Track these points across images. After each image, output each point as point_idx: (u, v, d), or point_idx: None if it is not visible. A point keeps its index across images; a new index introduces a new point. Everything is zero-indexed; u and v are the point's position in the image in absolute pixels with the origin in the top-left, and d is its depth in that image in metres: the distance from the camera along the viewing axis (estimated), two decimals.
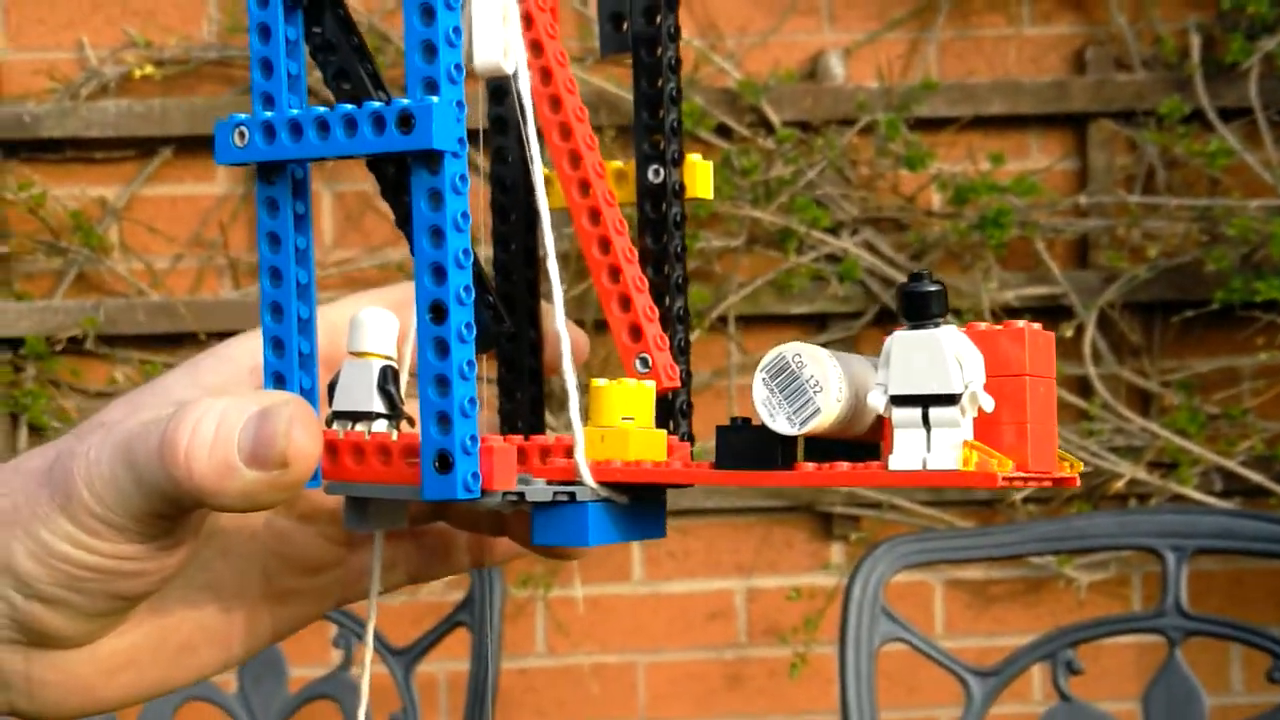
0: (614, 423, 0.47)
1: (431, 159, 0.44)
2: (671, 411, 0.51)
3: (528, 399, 0.53)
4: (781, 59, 1.98)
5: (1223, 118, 1.91)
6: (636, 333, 0.50)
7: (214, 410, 0.44)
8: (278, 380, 0.47)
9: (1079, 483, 0.47)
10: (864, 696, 1.36)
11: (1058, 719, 1.35)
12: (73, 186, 1.94)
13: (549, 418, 0.55)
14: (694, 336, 1.95)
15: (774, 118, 1.93)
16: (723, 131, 1.94)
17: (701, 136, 1.92)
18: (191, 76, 1.95)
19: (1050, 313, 1.95)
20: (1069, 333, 1.93)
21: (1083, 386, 1.96)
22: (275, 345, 0.47)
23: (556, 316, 0.48)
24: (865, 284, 1.95)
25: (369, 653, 0.52)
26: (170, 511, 0.45)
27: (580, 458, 0.46)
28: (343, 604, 0.54)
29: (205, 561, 0.50)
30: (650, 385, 0.48)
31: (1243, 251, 1.87)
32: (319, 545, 0.52)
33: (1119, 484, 1.87)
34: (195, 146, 1.94)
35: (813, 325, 1.99)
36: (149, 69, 1.91)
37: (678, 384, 0.51)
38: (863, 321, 1.96)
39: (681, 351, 0.51)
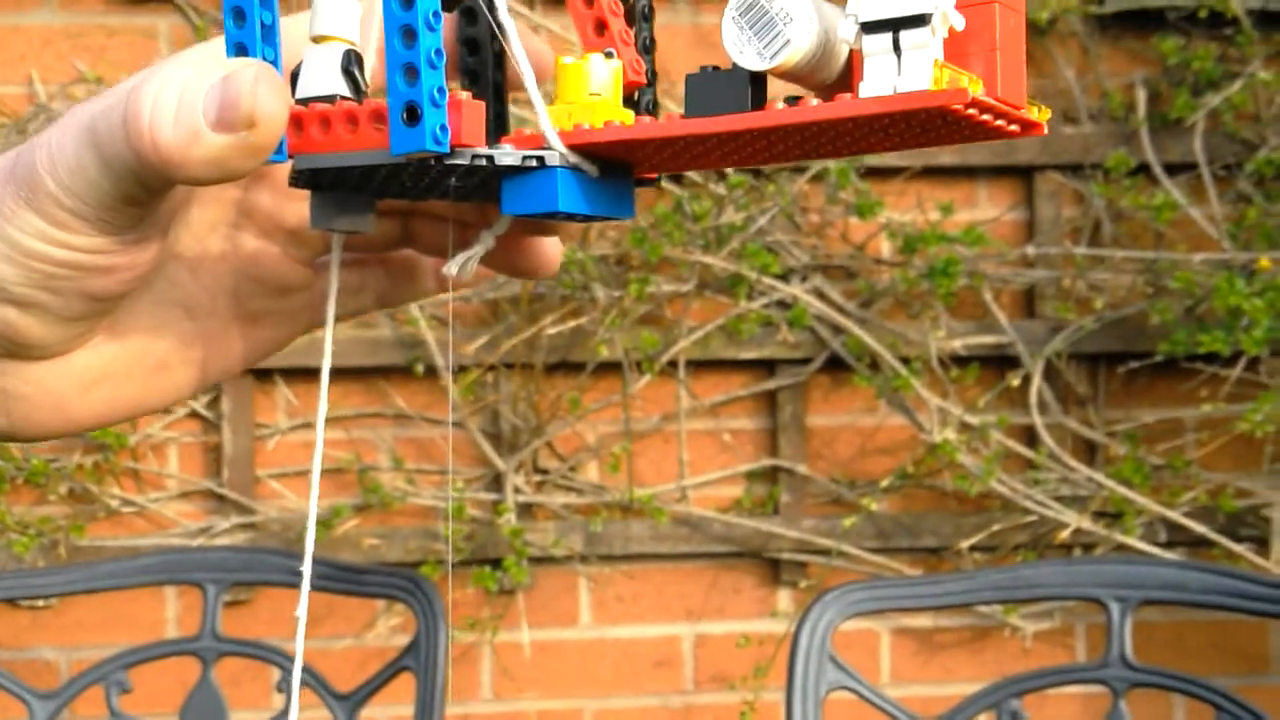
0: (581, 99, 0.46)
1: None
2: (638, 110, 0.50)
3: (492, 114, 0.52)
4: None
5: (1168, 172, 1.94)
6: (601, 27, 0.49)
7: (176, 78, 0.43)
8: (240, 50, 0.46)
9: (1045, 130, 0.45)
10: None
11: None
12: None
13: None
14: (642, 382, 1.96)
15: None
16: (675, 177, 1.94)
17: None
18: None
19: (997, 362, 1.97)
20: (1015, 382, 1.94)
21: (1029, 436, 1.97)
22: (236, 15, 0.46)
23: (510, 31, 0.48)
24: (814, 330, 1.96)
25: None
26: (139, 194, 0.44)
27: (545, 124, 0.46)
28: (312, 328, 0.53)
29: (175, 279, 0.49)
30: (618, 64, 0.47)
31: (1187, 304, 1.89)
32: (286, 265, 0.51)
33: (1064, 533, 1.88)
34: None
35: (762, 370, 2.00)
36: None
37: (643, 80, 0.49)
38: (812, 368, 1.97)
39: (646, 50, 0.50)
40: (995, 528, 1.92)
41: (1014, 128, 0.44)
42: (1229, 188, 1.96)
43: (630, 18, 0.50)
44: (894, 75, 0.42)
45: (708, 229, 1.93)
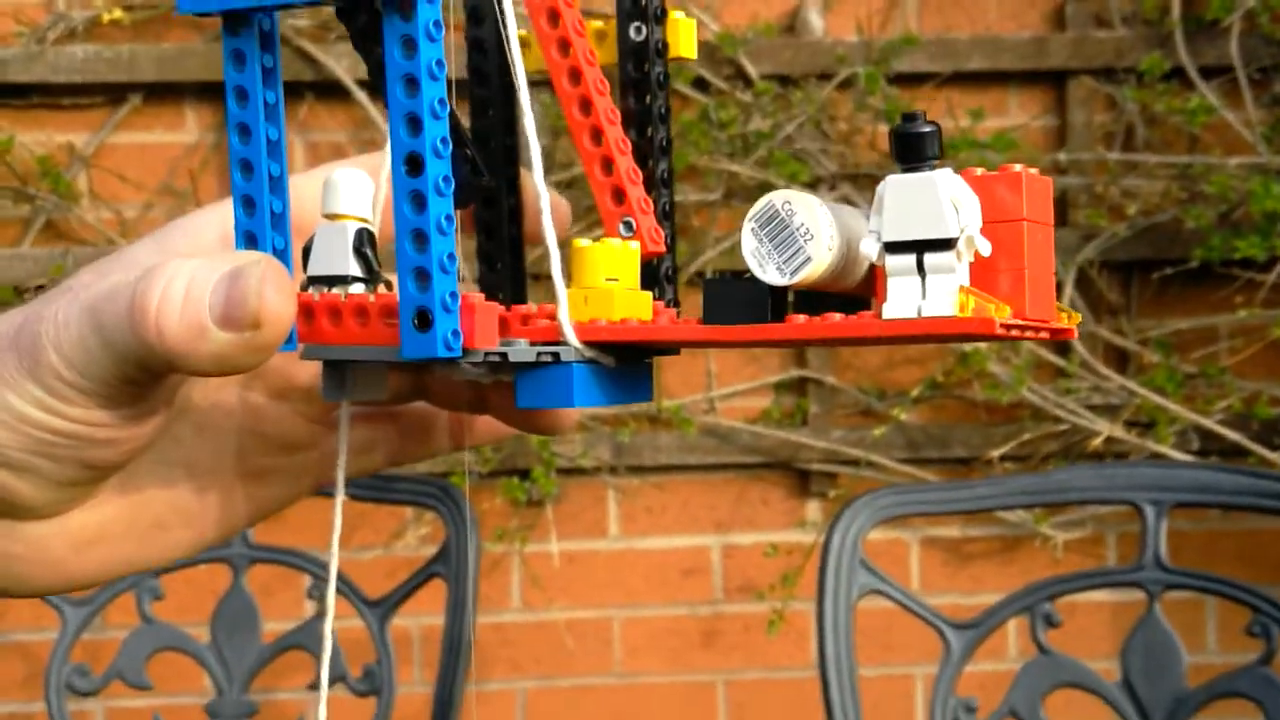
0: (597, 284, 0.45)
1: (404, 4, 0.42)
2: (656, 278, 0.50)
3: (508, 269, 0.52)
4: (760, 12, 1.96)
5: (1203, 75, 1.91)
6: (620, 196, 0.48)
7: (184, 271, 0.42)
8: (249, 240, 0.45)
9: (1076, 334, 0.45)
10: (841, 649, 1.35)
11: (1036, 672, 1.35)
12: (40, 133, 1.90)
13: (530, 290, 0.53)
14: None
15: (752, 71, 1.91)
16: (700, 85, 1.92)
17: (679, 89, 1.90)
18: (161, 22, 1.91)
19: None
20: None
21: (1060, 345, 1.95)
22: (246, 204, 0.45)
23: (536, 176, 0.47)
24: None
25: (335, 551, 0.51)
26: (141, 377, 0.44)
27: (564, 316, 0.45)
28: (320, 486, 0.52)
29: (179, 438, 0.49)
30: (635, 246, 0.46)
31: (1221, 210, 1.86)
32: (295, 423, 0.50)
33: (1096, 441, 1.86)
34: (165, 93, 1.91)
35: None
36: (118, 13, 1.88)
37: (663, 249, 0.49)
38: None
39: (665, 216, 0.50)
40: (1026, 437, 1.90)
41: (1042, 334, 0.44)
42: (1265, 91, 1.93)
43: (649, 184, 0.49)
44: (918, 297, 0.41)
45: (734, 137, 1.91)
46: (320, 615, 1.54)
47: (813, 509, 1.99)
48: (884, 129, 1.93)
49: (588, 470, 1.95)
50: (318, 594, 1.54)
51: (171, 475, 0.49)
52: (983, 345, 1.88)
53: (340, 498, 0.51)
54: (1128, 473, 1.36)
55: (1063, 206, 1.97)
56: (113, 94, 1.91)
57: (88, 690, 1.54)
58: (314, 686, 1.55)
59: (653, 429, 1.97)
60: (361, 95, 1.89)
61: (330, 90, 1.90)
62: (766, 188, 1.90)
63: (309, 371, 0.49)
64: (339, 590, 1.54)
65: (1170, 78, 1.91)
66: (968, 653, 1.36)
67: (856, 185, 1.95)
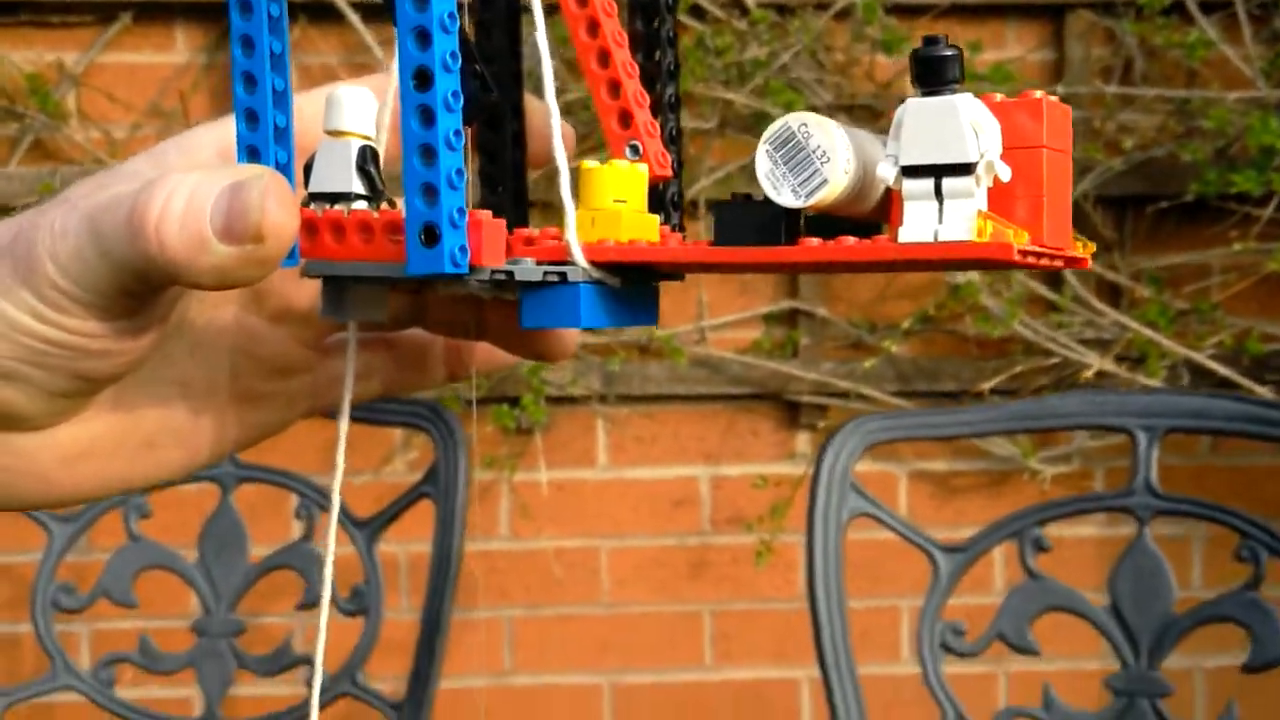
0: (605, 205, 0.45)
1: None
2: (663, 203, 0.49)
3: (510, 193, 0.51)
4: None
5: (1203, 9, 1.89)
6: (626, 119, 0.48)
7: (185, 183, 0.42)
8: (251, 154, 0.45)
9: (1090, 264, 0.45)
10: (830, 573, 1.35)
11: (1024, 596, 1.35)
12: (28, 51, 1.88)
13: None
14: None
15: None
16: (696, 12, 1.90)
17: None
18: None
19: None
20: None
21: (1053, 279, 1.95)
22: (249, 117, 0.45)
23: (548, 94, 0.46)
24: None
25: (338, 475, 0.50)
26: (138, 288, 0.43)
27: (572, 236, 0.44)
28: (312, 413, 0.52)
29: (173, 357, 0.48)
30: (643, 168, 0.46)
31: (1218, 145, 1.86)
32: (290, 347, 0.50)
33: (1087, 374, 1.86)
34: (155, 13, 1.89)
35: None
36: None
37: (669, 173, 0.48)
38: None
39: (673, 140, 0.49)
40: (1017, 369, 1.90)
41: (1057, 262, 0.43)
42: (1264, 26, 1.92)
43: (656, 108, 0.48)
44: (935, 222, 0.41)
45: (730, 65, 1.89)
46: (308, 537, 1.54)
47: (802, 441, 1.99)
48: (881, 59, 1.92)
49: (577, 399, 1.95)
50: (305, 514, 1.54)
51: (164, 394, 0.48)
52: (975, 277, 1.88)
53: (345, 424, 0.49)
54: (1120, 399, 1.36)
55: None
56: (102, 13, 1.89)
57: (74, 607, 1.54)
58: (302, 608, 1.55)
59: (643, 359, 1.96)
60: (355, 18, 1.87)
61: (323, 12, 1.88)
62: (761, 117, 1.88)
63: (307, 295, 0.49)
64: (326, 508, 1.53)
65: (1169, 12, 1.89)
66: (956, 577, 1.37)
67: (852, 116, 1.93)
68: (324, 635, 0.51)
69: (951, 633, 1.35)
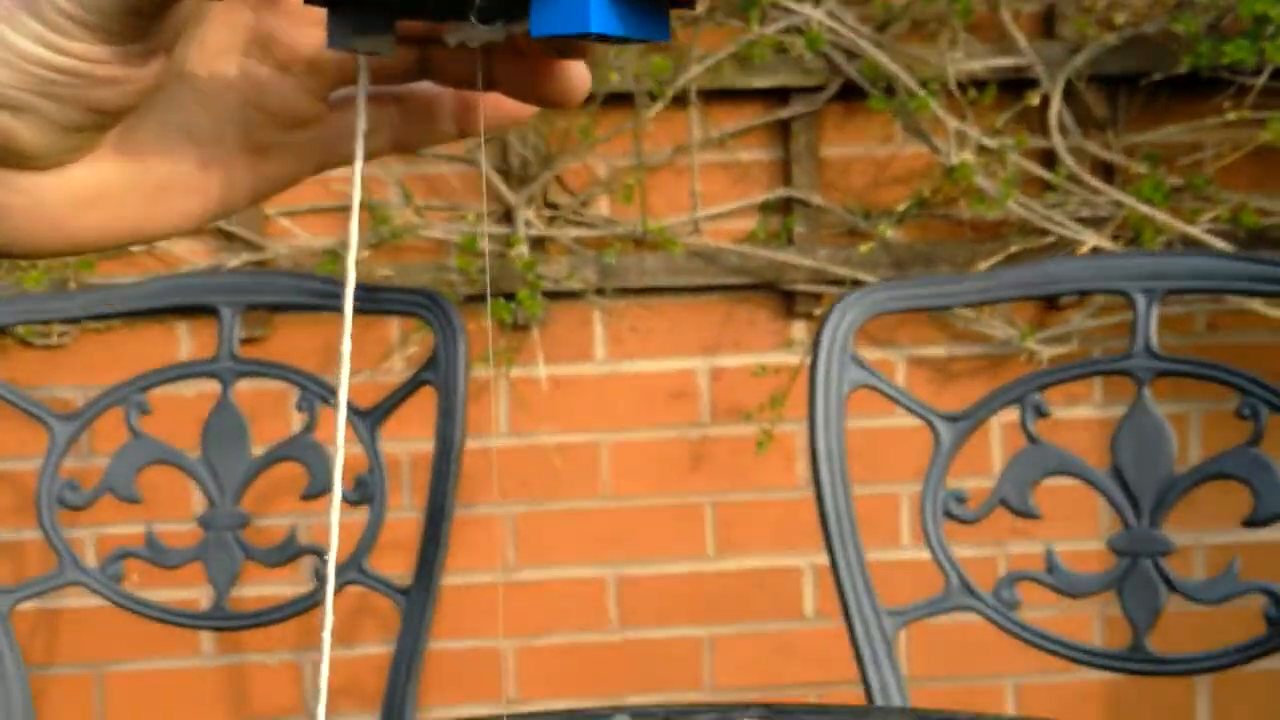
0: None
1: None
2: None
3: None
4: None
5: None
6: None
7: None
8: None
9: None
10: (833, 443, 1.35)
11: (1025, 461, 1.36)
12: None
13: None
14: (654, 109, 1.92)
15: None
16: None
17: None
18: None
19: (1015, 85, 1.92)
20: (1035, 100, 1.90)
21: (1047, 160, 1.94)
22: None
23: None
24: (829, 57, 1.91)
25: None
26: (144, 5, 0.43)
27: None
28: (325, 167, 0.52)
29: (180, 103, 0.48)
30: None
31: (1211, 18, 1.84)
32: (299, 97, 0.49)
33: (1082, 251, 1.86)
34: None
35: (775, 100, 1.96)
36: None
37: None
38: (826, 95, 1.93)
39: None
40: (1012, 249, 1.90)
41: None
42: None
43: None
44: None
45: None
46: (310, 428, 1.54)
47: (799, 329, 1.99)
48: None
49: (573, 294, 1.94)
50: (306, 407, 1.54)
51: (172, 140, 0.48)
52: (970, 158, 1.87)
53: (359, 169, 0.49)
54: (1119, 263, 1.35)
55: (1051, 18, 1.94)
56: None
57: (78, 504, 1.54)
58: (307, 498, 1.55)
59: (638, 251, 1.95)
60: None
61: None
62: (751, 2, 1.87)
63: (313, 43, 0.48)
64: (328, 403, 1.53)
65: None
66: (957, 445, 1.37)
67: (843, 0, 1.92)
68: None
69: (954, 500, 1.36)
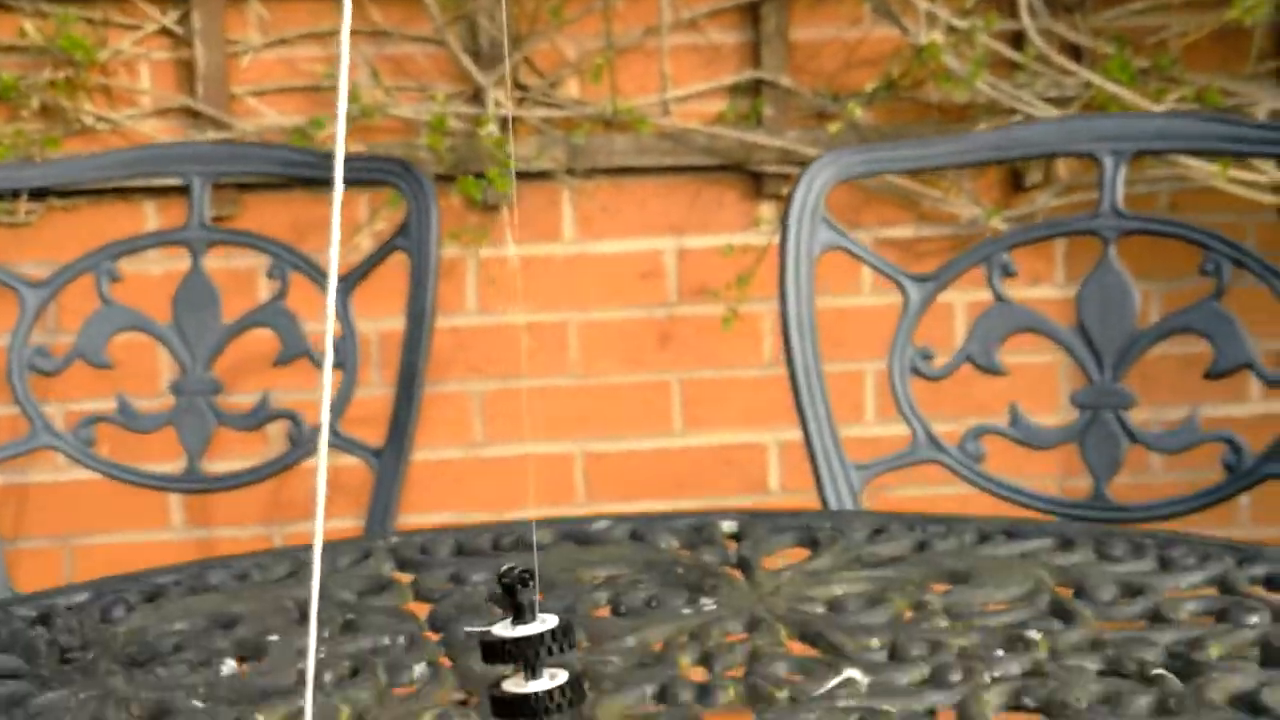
0: None
1: None
2: None
3: None
4: None
5: None
6: None
7: None
8: None
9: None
10: (804, 306, 1.37)
11: (992, 319, 1.38)
12: None
13: None
14: None
15: None
16: None
17: None
18: None
19: None
20: None
21: (1015, 41, 1.95)
22: None
23: None
24: None
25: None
26: None
27: None
28: None
29: None
30: None
31: None
32: None
33: None
34: None
35: None
36: None
37: None
38: None
39: None
40: (980, 128, 1.91)
41: None
42: None
43: None
44: None
45: None
46: (282, 295, 1.54)
47: (767, 210, 2.00)
48: None
49: (542, 174, 1.94)
50: (278, 274, 1.54)
51: None
52: (939, 38, 1.87)
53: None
54: (1087, 124, 1.37)
55: None
56: None
57: (49, 370, 1.54)
58: (279, 364, 1.56)
59: (607, 132, 1.95)
60: None
61: None
62: None
63: None
64: (303, 272, 1.54)
65: None
66: (925, 305, 1.39)
67: None
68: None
69: (921, 358, 1.38)
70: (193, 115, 1.92)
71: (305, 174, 1.57)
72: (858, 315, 1.99)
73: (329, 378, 0.54)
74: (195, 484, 1.58)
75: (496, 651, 0.47)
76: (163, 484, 1.61)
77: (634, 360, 2.02)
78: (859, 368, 2.02)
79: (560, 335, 2.00)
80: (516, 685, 0.47)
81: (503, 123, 1.92)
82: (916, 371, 1.38)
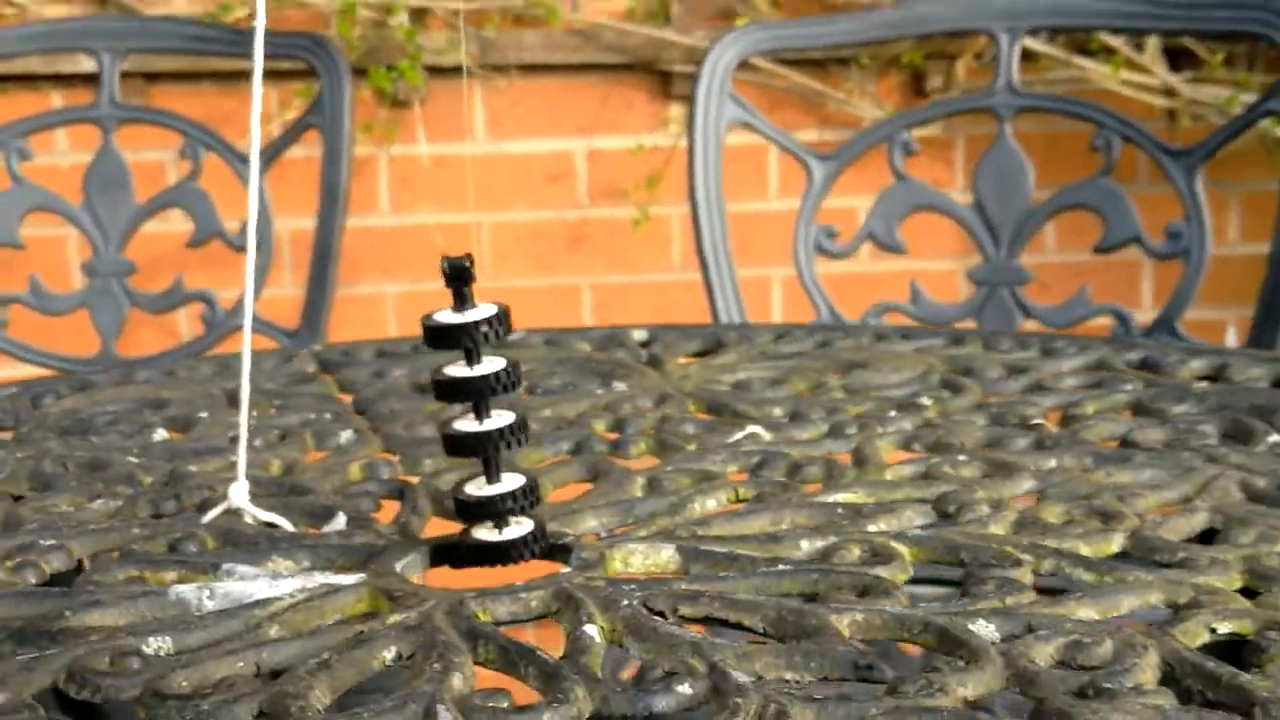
0: None
1: None
2: None
3: None
4: None
5: None
6: None
7: None
8: None
9: None
10: (711, 184, 1.40)
11: (893, 197, 1.42)
12: None
13: None
14: None
15: None
16: None
17: None
18: None
19: None
20: None
21: None
22: None
23: None
24: None
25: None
26: None
27: None
28: None
29: None
30: None
31: None
32: None
33: None
34: None
35: None
36: None
37: None
38: None
39: None
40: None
41: None
42: None
43: None
44: None
45: None
46: (195, 175, 1.55)
47: (676, 111, 2.03)
48: None
49: (453, 71, 1.96)
50: (190, 154, 1.54)
51: None
52: None
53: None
54: (986, 1, 1.41)
55: None
56: None
57: None
58: (191, 245, 1.57)
59: (517, 27, 1.97)
60: None
61: None
62: None
63: None
64: (216, 151, 1.54)
65: None
66: (829, 182, 1.43)
67: None
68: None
69: (825, 235, 1.42)
70: (100, 2, 1.91)
71: (214, 50, 1.57)
72: (764, 220, 2.03)
73: (255, 186, 0.56)
74: (110, 366, 1.58)
75: (440, 336, 0.50)
76: (75, 367, 1.61)
77: (544, 263, 2.04)
78: (766, 273, 2.06)
79: (472, 236, 2.03)
80: (469, 425, 0.50)
81: (413, 13, 1.93)
82: (821, 249, 1.43)
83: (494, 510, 0.49)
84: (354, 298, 2.01)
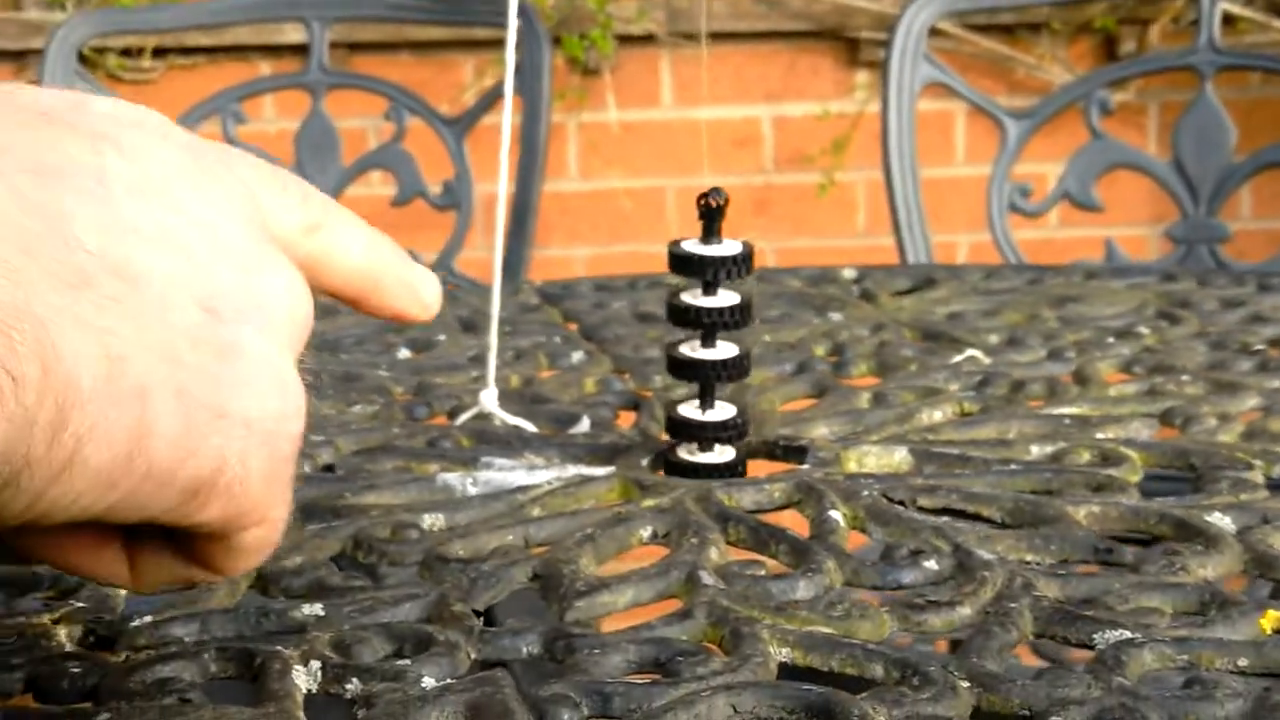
0: None
1: None
2: None
3: None
4: None
5: None
6: None
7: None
8: None
9: None
10: (905, 139, 1.41)
11: (1089, 155, 1.42)
12: None
13: None
14: None
15: None
16: None
17: None
18: None
19: None
20: None
21: None
22: None
23: None
24: None
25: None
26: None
27: None
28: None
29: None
30: None
31: None
32: None
33: None
34: None
35: None
36: None
37: None
38: None
39: None
40: None
41: None
42: None
43: None
44: None
45: None
46: (399, 137, 1.60)
47: (862, 77, 2.03)
48: None
49: (642, 39, 1.99)
50: (395, 116, 1.60)
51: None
52: None
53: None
54: None
55: None
56: None
57: None
58: (395, 205, 1.63)
59: None
60: None
61: None
62: None
63: None
64: (420, 115, 1.60)
65: None
66: (1022, 142, 1.43)
67: None
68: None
69: (1019, 194, 1.42)
70: None
71: (420, 16, 1.63)
72: (951, 185, 2.03)
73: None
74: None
75: (684, 263, 0.53)
76: None
77: (730, 227, 2.06)
78: (953, 239, 2.05)
79: (658, 200, 2.06)
80: (693, 351, 0.52)
81: None
82: (1014, 208, 1.43)
83: (699, 434, 0.52)
84: (544, 259, 2.06)
